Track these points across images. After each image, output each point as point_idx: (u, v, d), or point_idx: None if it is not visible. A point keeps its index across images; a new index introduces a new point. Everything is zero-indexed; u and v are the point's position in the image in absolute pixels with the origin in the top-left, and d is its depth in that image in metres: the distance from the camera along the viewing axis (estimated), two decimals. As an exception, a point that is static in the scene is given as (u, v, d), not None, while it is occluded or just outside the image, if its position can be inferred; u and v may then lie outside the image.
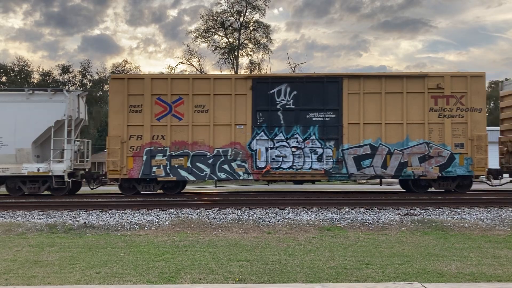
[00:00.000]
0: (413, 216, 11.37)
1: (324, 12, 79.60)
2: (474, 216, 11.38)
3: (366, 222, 10.89)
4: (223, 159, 15.00)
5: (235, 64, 39.42)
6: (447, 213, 11.82)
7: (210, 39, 40.08)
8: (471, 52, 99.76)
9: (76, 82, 41.95)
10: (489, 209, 12.24)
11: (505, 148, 16.60)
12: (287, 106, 15.07)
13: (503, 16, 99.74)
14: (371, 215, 11.52)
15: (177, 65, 41.51)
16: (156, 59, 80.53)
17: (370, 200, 13.88)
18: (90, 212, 12.33)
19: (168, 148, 15.04)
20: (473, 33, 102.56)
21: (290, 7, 78.06)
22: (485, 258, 7.47)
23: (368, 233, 9.96)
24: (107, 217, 11.53)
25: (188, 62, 40.57)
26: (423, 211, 12.09)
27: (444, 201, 13.48)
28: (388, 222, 10.85)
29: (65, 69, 41.58)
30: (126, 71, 41.98)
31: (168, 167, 15.01)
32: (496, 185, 16.36)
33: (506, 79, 17.92)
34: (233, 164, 15.01)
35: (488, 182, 16.12)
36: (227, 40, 40.10)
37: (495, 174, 16.00)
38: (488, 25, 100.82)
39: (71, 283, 6.05)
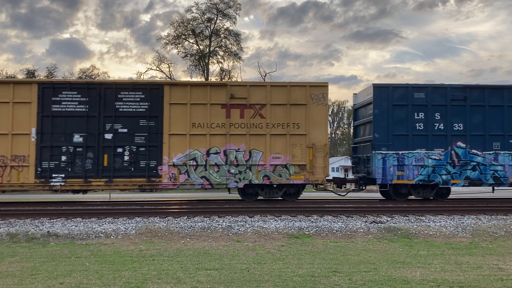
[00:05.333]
0: (379, 224, 11.58)
1: (298, 21, 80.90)
2: (438, 224, 11.69)
3: (333, 229, 11.02)
4: None
5: (205, 71, 39.36)
6: (413, 221, 12.09)
7: (180, 45, 39.95)
8: (437, 63, 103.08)
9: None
10: (452, 217, 12.60)
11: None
12: None
13: (467, 29, 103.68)
14: (338, 223, 11.66)
15: (146, 71, 41.04)
16: (126, 65, 79.61)
17: (338, 208, 14.06)
18: (54, 220, 11.99)
19: None
20: (439, 45, 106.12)
21: (264, 15, 78.96)
22: (448, 265, 7.68)
23: (335, 240, 10.07)
24: (72, 226, 11.24)
25: (158, 68, 40.27)
26: (390, 219, 12.33)
27: (410, 209, 13.79)
28: (355, 230, 11.01)
29: (30, 73, 40.55)
30: (93, 77, 41.27)
31: None
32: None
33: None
34: None
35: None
36: (197, 47, 40.05)
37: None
38: (453, 37, 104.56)
39: (33, 295, 5.87)
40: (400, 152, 15.59)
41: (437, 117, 15.76)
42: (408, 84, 16.17)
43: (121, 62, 76.95)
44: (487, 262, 7.93)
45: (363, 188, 16.62)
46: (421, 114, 15.77)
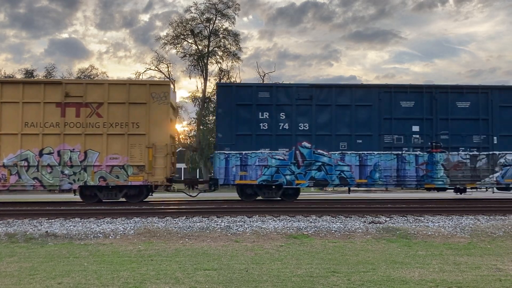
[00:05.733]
0: (378, 224, 11.58)
1: (297, 21, 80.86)
2: (437, 224, 11.70)
3: (332, 230, 11.02)
4: None
5: (204, 72, 39.32)
6: (411, 221, 12.09)
7: (179, 45, 39.89)
8: (436, 63, 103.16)
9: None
10: (450, 217, 12.61)
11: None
12: None
13: (466, 30, 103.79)
14: (337, 223, 11.66)
15: (145, 71, 40.97)
16: (125, 65, 79.50)
17: (337, 208, 14.06)
18: (53, 220, 11.98)
19: None
20: (437, 45, 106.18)
21: (263, 15, 78.89)
22: (447, 265, 7.68)
23: (334, 240, 10.07)
24: (70, 226, 11.23)
25: (156, 68, 40.22)
26: (388, 219, 12.33)
27: (408, 209, 13.80)
28: (354, 230, 11.01)
29: (29, 73, 40.46)
30: (92, 76, 41.22)
31: None
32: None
33: None
34: None
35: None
36: (196, 47, 40.02)
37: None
38: (451, 38, 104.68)
39: (31, 295, 5.86)
40: (244, 152, 15.33)
41: (282, 116, 15.52)
42: (253, 84, 16.03)
43: (120, 62, 76.84)
44: (485, 263, 7.93)
45: (214, 189, 16.10)
46: (266, 114, 15.53)
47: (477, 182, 15.67)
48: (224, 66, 40.37)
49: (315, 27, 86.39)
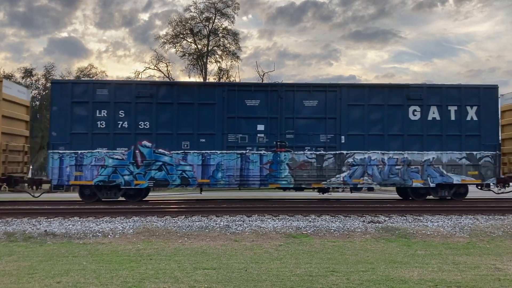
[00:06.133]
0: (377, 224, 11.58)
1: (296, 20, 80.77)
2: (436, 224, 11.70)
3: (331, 229, 11.02)
4: None
5: (203, 71, 39.31)
6: (410, 221, 12.10)
7: (178, 45, 39.87)
8: (435, 63, 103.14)
9: (39, 86, 40.84)
10: (449, 217, 12.61)
11: None
12: None
13: (465, 29, 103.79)
14: (336, 223, 11.66)
15: (144, 70, 40.94)
16: (124, 64, 79.35)
17: (336, 208, 14.06)
18: (52, 219, 11.96)
19: None
20: (437, 45, 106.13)
21: (263, 15, 78.80)
22: (446, 265, 7.68)
23: (333, 240, 10.07)
24: (69, 225, 11.22)
25: (156, 68, 40.20)
26: (387, 218, 12.33)
27: (408, 209, 13.80)
28: (353, 230, 11.01)
29: (28, 72, 40.40)
30: (91, 76, 41.17)
31: None
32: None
33: None
34: None
35: None
36: (195, 46, 40.00)
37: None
38: (451, 38, 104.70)
39: (30, 294, 5.85)
40: (80, 152, 14.82)
41: (122, 115, 15.03)
42: (90, 80, 15.78)
43: (119, 61, 76.67)
44: (484, 262, 7.93)
45: (55, 191, 15.30)
46: (104, 112, 15.02)
47: (323, 182, 15.31)
48: (223, 65, 40.38)
49: (314, 27, 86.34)
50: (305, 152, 15.35)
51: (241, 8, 69.21)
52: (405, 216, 12.66)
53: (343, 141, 15.43)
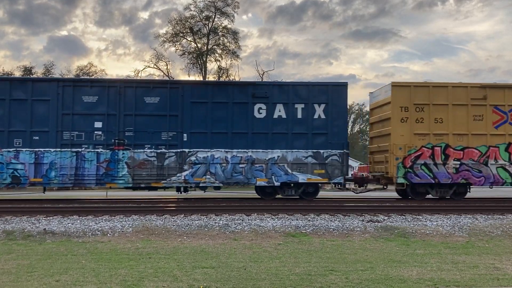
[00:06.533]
0: (376, 223, 11.58)
1: (297, 19, 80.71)
2: (435, 223, 11.70)
3: (330, 228, 11.02)
4: None
5: (203, 70, 39.30)
6: (409, 220, 12.10)
7: (178, 43, 39.87)
8: (435, 63, 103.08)
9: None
10: (449, 216, 12.61)
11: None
12: None
13: (465, 29, 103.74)
14: (335, 222, 11.66)
15: (143, 68, 40.89)
16: (124, 62, 79.22)
17: (335, 207, 14.07)
18: (51, 218, 11.96)
19: None
20: (437, 44, 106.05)
21: (263, 13, 78.74)
22: (445, 264, 7.69)
23: (332, 239, 10.07)
24: (68, 223, 11.21)
25: (155, 66, 40.18)
26: (386, 218, 12.34)
27: (407, 208, 13.81)
28: (352, 229, 11.01)
29: (27, 70, 40.38)
30: (91, 74, 41.13)
31: None
32: None
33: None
34: None
35: None
36: (195, 45, 39.98)
37: None
38: (451, 37, 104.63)
39: (29, 292, 5.85)
40: None
41: None
42: None
43: (119, 60, 76.60)
44: (483, 262, 7.94)
45: None
46: None
47: (163, 181, 15.10)
48: (223, 64, 40.40)
49: (315, 26, 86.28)
50: (145, 150, 15.09)
51: (241, 7, 69.43)
52: (404, 216, 12.66)
53: (185, 139, 15.21)
